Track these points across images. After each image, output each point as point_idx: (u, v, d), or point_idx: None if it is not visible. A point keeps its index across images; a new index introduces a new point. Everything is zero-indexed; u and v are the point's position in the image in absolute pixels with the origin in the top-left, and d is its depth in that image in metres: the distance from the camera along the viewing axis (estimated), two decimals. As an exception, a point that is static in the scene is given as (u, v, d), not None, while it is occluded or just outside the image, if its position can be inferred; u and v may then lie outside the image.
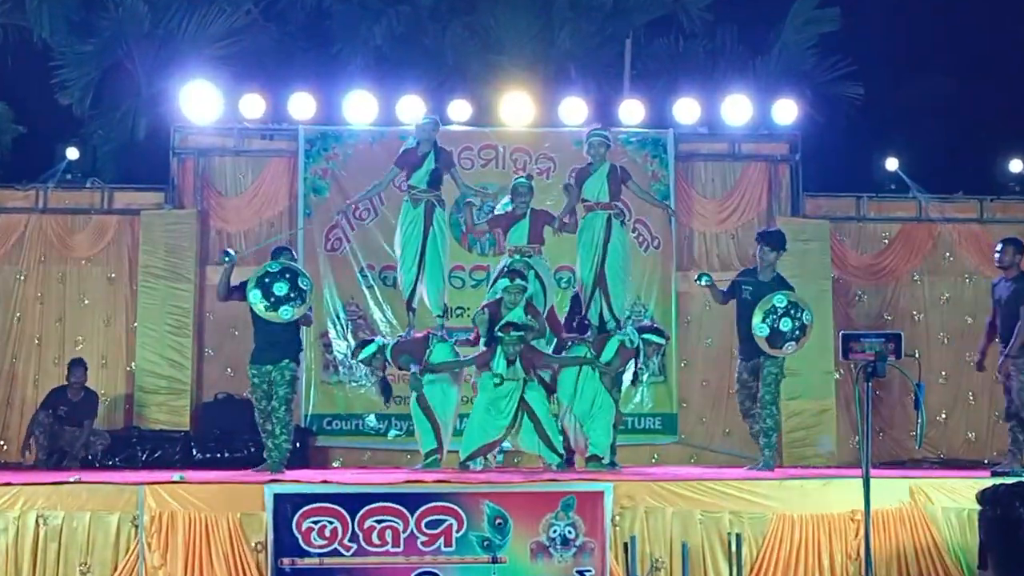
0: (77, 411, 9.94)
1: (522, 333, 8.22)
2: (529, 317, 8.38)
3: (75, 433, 9.87)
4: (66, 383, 10.08)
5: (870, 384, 5.32)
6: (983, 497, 3.67)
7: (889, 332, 5.49)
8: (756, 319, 8.41)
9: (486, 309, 8.54)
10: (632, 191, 9.30)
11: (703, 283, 8.86)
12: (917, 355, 7.65)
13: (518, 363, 8.29)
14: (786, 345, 8.47)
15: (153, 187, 11.19)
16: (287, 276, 8.27)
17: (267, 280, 8.25)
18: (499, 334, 8.23)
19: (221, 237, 11.15)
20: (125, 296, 11.06)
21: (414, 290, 8.99)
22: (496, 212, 9.29)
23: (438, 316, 9.10)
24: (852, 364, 5.42)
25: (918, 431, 5.48)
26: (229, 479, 7.59)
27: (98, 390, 10.79)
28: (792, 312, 8.47)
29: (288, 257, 8.71)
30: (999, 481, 3.83)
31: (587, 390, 8.54)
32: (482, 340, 8.50)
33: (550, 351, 8.77)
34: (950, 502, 7.12)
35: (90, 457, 9.93)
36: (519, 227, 8.87)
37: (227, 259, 8.57)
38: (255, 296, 8.23)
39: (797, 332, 8.46)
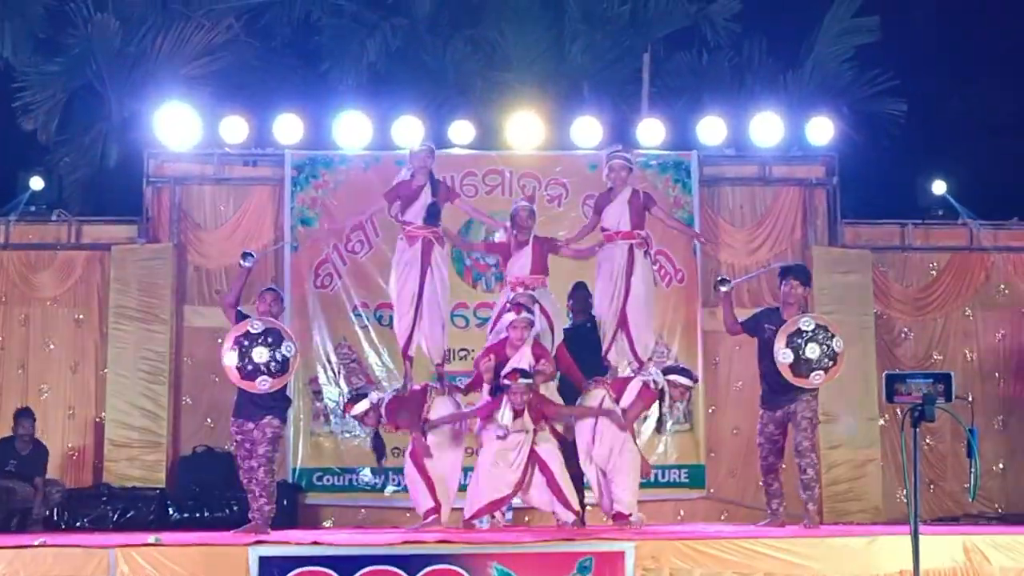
0: (26, 466, 9.99)
1: (530, 380, 8.23)
2: (539, 361, 8.40)
3: (27, 490, 9.88)
4: (12, 435, 10.10)
5: (917, 430, 5.33)
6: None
7: (938, 372, 5.50)
8: (778, 344, 8.43)
9: (491, 354, 8.54)
10: (657, 218, 9.35)
11: (723, 289, 8.91)
12: (970, 398, 7.64)
13: (526, 414, 8.30)
14: (813, 374, 8.47)
15: (125, 219, 11.28)
16: (269, 340, 8.31)
17: (246, 343, 8.30)
18: (505, 382, 8.25)
19: (200, 274, 11.25)
20: (94, 339, 11.12)
21: (411, 337, 8.97)
22: (494, 239, 9.34)
23: (437, 365, 9.10)
24: (898, 408, 5.42)
25: (972, 481, 5.49)
26: (210, 541, 7.59)
27: (64, 443, 10.94)
28: (820, 337, 8.49)
29: (275, 298, 8.78)
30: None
31: (607, 435, 8.57)
32: (485, 389, 8.52)
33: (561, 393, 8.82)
34: (1010, 561, 7.11)
35: (54, 517, 9.94)
36: (521, 256, 8.90)
37: (248, 261, 8.60)
38: (230, 359, 8.30)
39: (826, 360, 8.48)
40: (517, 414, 8.29)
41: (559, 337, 8.94)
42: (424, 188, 8.99)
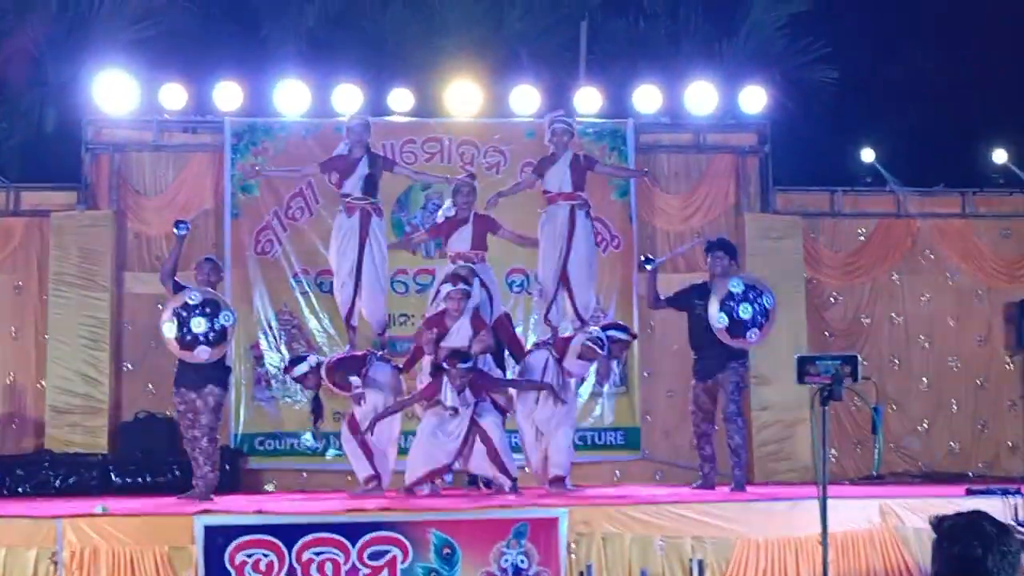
0: None
1: (469, 364, 8.52)
2: (477, 333, 8.69)
3: None
4: None
5: (826, 408, 5.72)
6: (940, 528, 4.00)
7: (845, 355, 5.91)
8: (712, 310, 8.80)
9: (432, 328, 8.82)
10: (602, 173, 9.76)
11: (648, 268, 9.26)
12: (873, 379, 8.05)
13: (468, 391, 8.61)
14: (749, 333, 8.86)
15: (64, 186, 11.32)
16: (207, 310, 8.51)
17: (184, 313, 8.50)
18: (444, 366, 8.54)
19: (140, 240, 11.33)
20: (34, 306, 11.17)
21: (352, 306, 9.28)
22: (438, 218, 9.58)
23: (378, 335, 9.39)
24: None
25: (876, 456, 5.91)
26: (155, 510, 7.85)
27: (4, 410, 11.00)
28: (751, 296, 8.87)
29: (212, 267, 9.00)
30: (959, 509, 4.16)
31: (547, 400, 8.92)
32: (427, 361, 8.79)
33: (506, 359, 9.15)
34: (923, 523, 7.44)
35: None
36: (462, 232, 9.19)
37: (182, 230, 8.75)
38: (169, 329, 8.50)
39: (760, 318, 8.87)
40: (459, 391, 8.59)
41: (499, 308, 9.27)
42: (361, 160, 9.25)
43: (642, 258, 9.66)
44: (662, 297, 9.46)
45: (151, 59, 11.59)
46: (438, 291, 9.10)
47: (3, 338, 11.19)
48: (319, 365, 8.98)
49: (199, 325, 8.54)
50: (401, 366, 9.32)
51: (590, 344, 8.87)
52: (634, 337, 9.57)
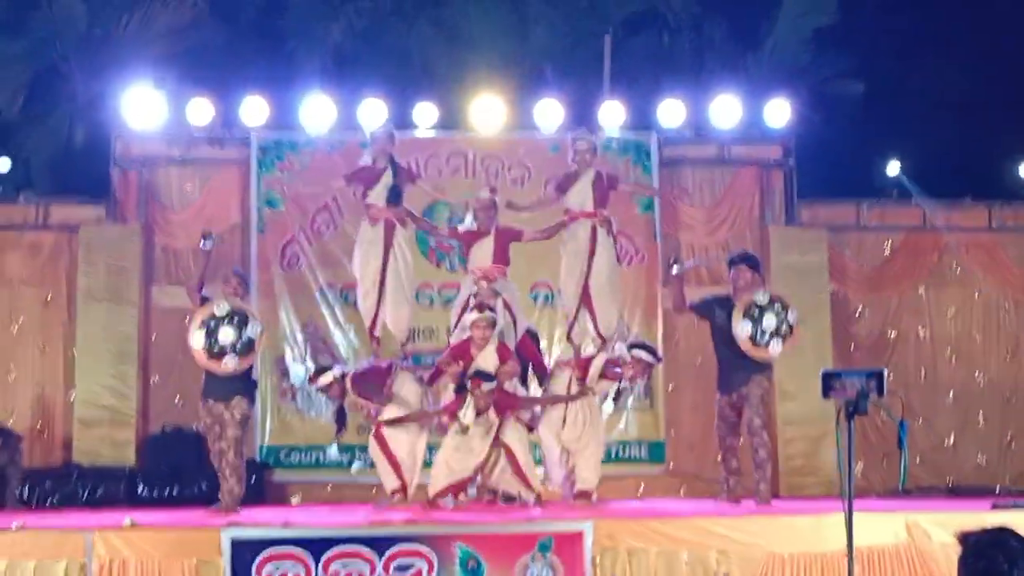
0: None
1: (492, 384, 8.56)
2: (504, 363, 8.73)
3: None
4: None
5: (852, 423, 5.74)
6: (966, 543, 4.03)
7: (871, 369, 5.90)
8: (736, 317, 8.83)
9: (456, 359, 8.84)
10: (624, 191, 9.85)
11: (675, 271, 9.30)
12: (899, 393, 8.05)
13: (491, 412, 8.65)
14: (771, 344, 8.87)
15: (92, 200, 11.45)
16: (235, 321, 8.60)
17: (212, 324, 8.58)
18: (468, 386, 8.58)
19: (167, 254, 11.45)
20: (62, 320, 11.29)
21: (376, 317, 9.34)
22: (461, 228, 9.63)
23: (402, 345, 9.45)
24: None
25: (901, 471, 5.91)
26: (183, 522, 7.92)
27: (33, 423, 11.10)
28: (775, 308, 8.89)
29: (239, 280, 9.09)
30: (985, 523, 4.18)
31: (576, 419, 8.96)
32: (452, 387, 8.84)
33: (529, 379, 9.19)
34: (949, 537, 7.43)
35: (24, 496, 10.18)
36: (483, 246, 9.23)
37: (208, 243, 8.87)
38: (197, 340, 8.59)
39: (784, 329, 8.88)
40: (481, 411, 8.64)
41: (522, 328, 9.31)
42: (385, 171, 9.32)
43: (671, 260, 9.67)
44: (688, 303, 9.47)
45: (179, 74, 11.71)
46: (461, 313, 9.13)
47: (32, 352, 11.31)
48: (344, 375, 9.05)
49: (227, 336, 8.63)
50: (425, 378, 9.35)
51: (610, 367, 8.93)
52: (659, 360, 9.56)
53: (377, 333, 9.48)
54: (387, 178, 9.33)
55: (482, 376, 8.56)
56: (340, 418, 9.11)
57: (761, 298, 8.96)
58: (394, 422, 8.82)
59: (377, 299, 9.33)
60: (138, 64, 11.80)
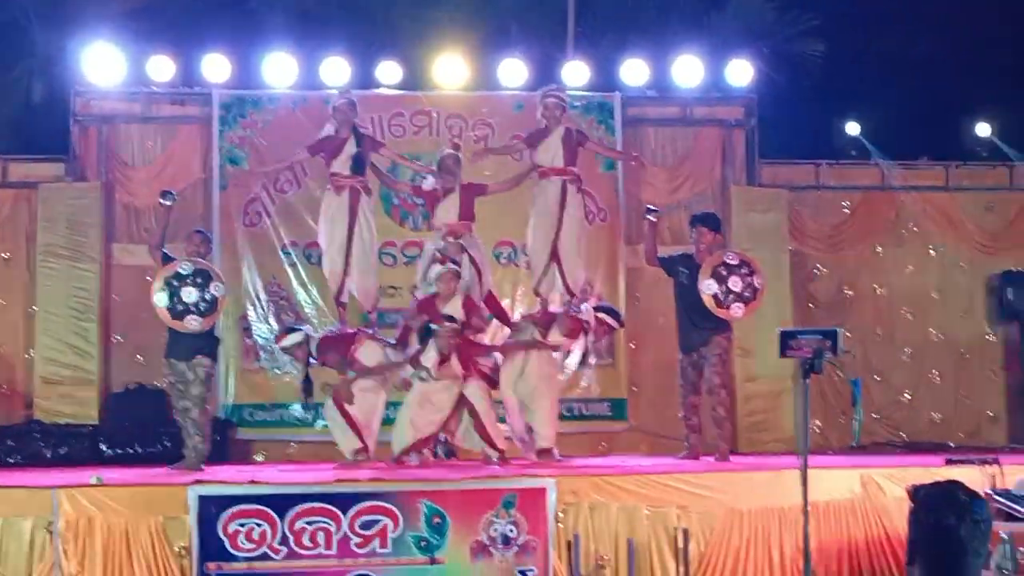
0: None
1: (456, 325, 8.66)
2: (470, 316, 8.83)
3: None
4: None
5: (807, 381, 5.90)
6: (915, 497, 4.19)
7: (826, 329, 6.07)
8: (703, 276, 8.98)
9: (423, 312, 8.93)
10: (592, 149, 9.94)
11: (651, 219, 9.43)
12: (854, 352, 8.19)
13: (454, 359, 8.75)
14: (734, 306, 9.03)
15: (52, 157, 11.38)
16: (198, 281, 8.64)
17: (175, 283, 8.63)
18: (433, 326, 8.67)
19: (128, 212, 11.42)
20: (22, 278, 11.25)
21: (343, 284, 9.41)
22: (423, 186, 9.65)
23: (368, 312, 9.53)
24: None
25: (856, 428, 6.09)
26: (149, 480, 8.00)
27: (-6, 382, 11.13)
28: (742, 271, 9.05)
29: (202, 239, 9.13)
30: (936, 478, 4.34)
31: (531, 371, 9.08)
32: (417, 339, 8.93)
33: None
34: (902, 492, 7.67)
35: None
36: (449, 202, 9.29)
37: (168, 200, 8.88)
38: (160, 299, 8.64)
39: (747, 294, 9.04)
40: (444, 359, 8.72)
41: (488, 283, 9.41)
42: (348, 140, 9.35)
43: (646, 208, 9.78)
44: (657, 256, 9.61)
45: (139, 31, 11.67)
46: (427, 268, 9.22)
47: (-9, 310, 11.26)
48: (309, 339, 9.12)
49: (190, 295, 8.69)
50: (392, 342, 9.43)
51: (575, 317, 9.04)
52: (622, 324, 9.73)
53: (343, 300, 9.55)
54: (351, 147, 9.35)
55: (446, 318, 8.67)
56: (307, 385, 9.19)
57: (731, 258, 9.11)
58: (360, 375, 8.88)
59: (344, 267, 9.40)
60: (98, 20, 11.76)
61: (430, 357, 8.71)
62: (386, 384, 9.16)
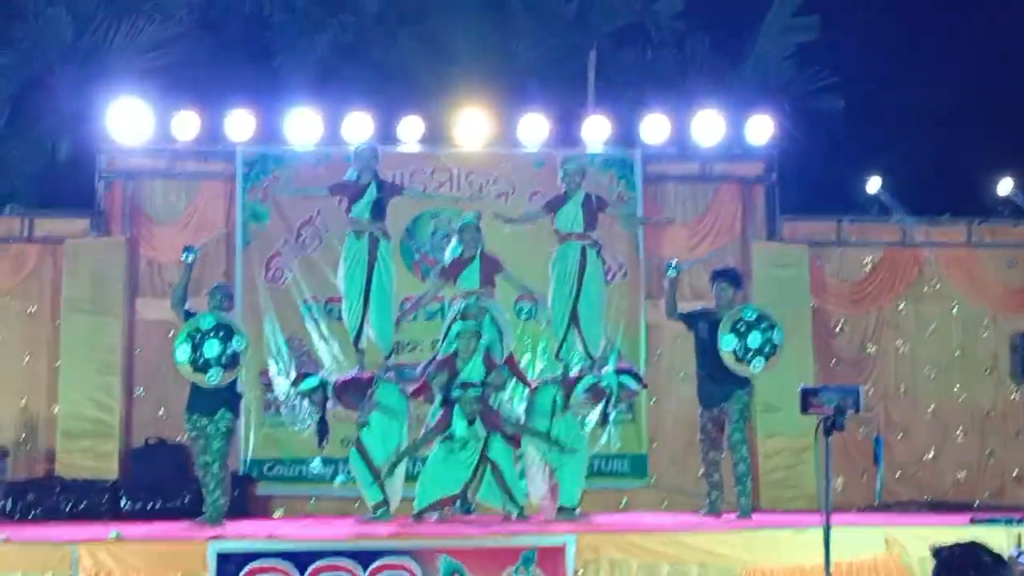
0: None
1: (479, 392, 8.67)
2: (489, 374, 8.86)
3: None
4: None
5: (829, 439, 5.87)
6: (939, 557, 4.16)
7: (848, 386, 6.06)
8: (722, 332, 8.96)
9: (444, 367, 8.96)
10: (612, 215, 10.03)
11: (670, 275, 9.42)
12: (877, 409, 8.15)
13: (478, 422, 8.75)
14: (754, 362, 9.01)
15: (78, 213, 11.48)
16: (220, 334, 8.69)
17: (197, 336, 8.68)
18: (455, 393, 8.69)
19: (152, 267, 11.50)
20: (47, 332, 11.31)
21: (361, 329, 9.46)
22: (445, 258, 9.73)
23: (385, 357, 9.57)
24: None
25: (878, 485, 6.05)
26: (169, 535, 8.00)
27: (16, 436, 11.14)
28: (762, 327, 9.03)
29: (224, 294, 9.19)
30: (962, 538, 4.30)
31: (560, 432, 9.07)
32: (438, 399, 8.94)
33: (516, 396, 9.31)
34: (927, 552, 7.60)
35: (7, 508, 10.24)
36: (469, 271, 9.38)
37: (190, 255, 8.96)
38: (182, 353, 8.68)
39: (768, 348, 9.02)
40: (470, 423, 8.74)
41: (509, 344, 9.45)
42: (369, 186, 9.46)
43: (668, 263, 9.80)
44: (678, 310, 9.61)
45: (164, 88, 11.77)
46: (449, 328, 9.27)
47: (16, 363, 11.32)
48: (327, 383, 9.14)
49: (212, 348, 8.72)
50: (409, 391, 9.45)
51: (596, 391, 9.06)
52: (644, 387, 9.71)
53: (361, 346, 9.59)
54: (371, 193, 9.46)
55: (469, 383, 8.69)
56: (322, 428, 9.18)
57: (749, 314, 9.11)
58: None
59: (362, 312, 9.45)
60: (124, 77, 11.89)
61: (460, 426, 8.71)
62: (405, 426, 9.15)
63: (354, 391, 9.11)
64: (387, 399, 9.12)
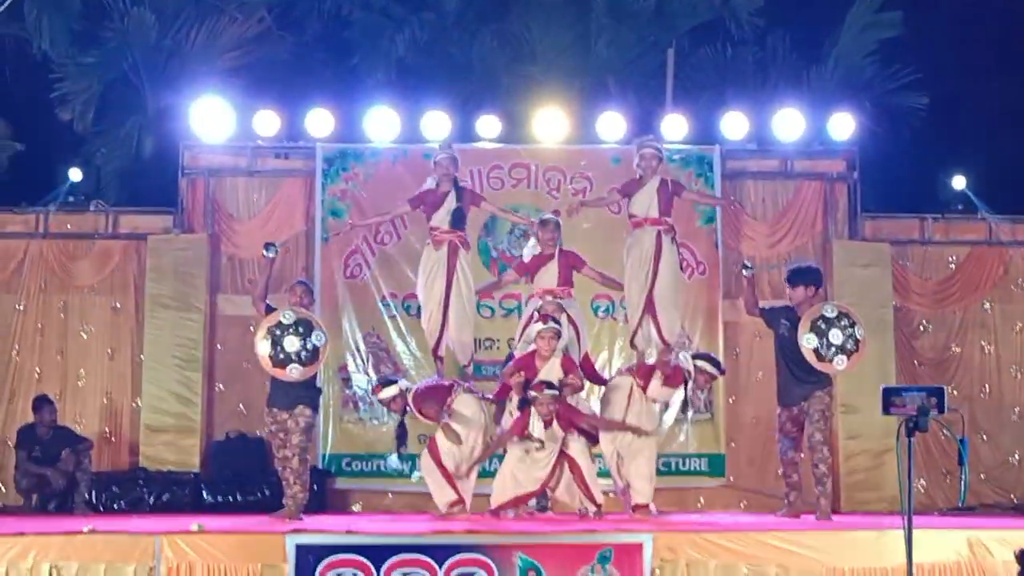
0: (49, 451, 10.30)
1: (556, 392, 8.63)
2: (567, 375, 8.81)
3: (55, 475, 10.23)
4: (33, 422, 10.46)
5: (912, 440, 5.77)
6: (1022, 560, 4.08)
7: (932, 387, 5.92)
8: (802, 329, 8.83)
9: (520, 368, 8.90)
10: (689, 199, 9.95)
11: (746, 274, 9.33)
12: (961, 410, 8.02)
13: (555, 424, 8.73)
14: (836, 359, 8.85)
15: (161, 210, 11.68)
16: (300, 330, 8.76)
17: (278, 332, 8.76)
18: (532, 394, 8.67)
19: (233, 263, 11.66)
20: (131, 327, 11.53)
21: (440, 338, 9.48)
22: (524, 255, 9.71)
23: (464, 366, 9.58)
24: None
25: (962, 487, 5.94)
26: (249, 528, 8.08)
27: (101, 429, 11.36)
28: (842, 324, 8.88)
29: (304, 290, 9.27)
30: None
31: (636, 420, 9.02)
32: (516, 400, 8.91)
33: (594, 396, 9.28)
34: (1011, 555, 7.46)
35: (93, 500, 10.43)
36: (548, 268, 9.34)
37: (271, 252, 9.07)
38: (263, 347, 8.76)
39: (850, 345, 8.87)
40: (546, 424, 8.72)
41: (586, 345, 9.41)
42: (449, 194, 9.44)
43: (743, 263, 9.72)
44: (759, 306, 9.50)
45: (246, 86, 11.96)
46: (526, 326, 9.25)
47: (100, 358, 11.56)
48: (406, 390, 9.16)
49: (292, 344, 8.78)
50: (489, 396, 9.45)
51: (676, 366, 8.97)
52: (722, 372, 9.55)
53: (441, 354, 9.61)
54: (451, 201, 9.44)
55: (545, 383, 8.65)
56: (401, 435, 9.24)
57: (829, 311, 8.97)
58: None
59: (441, 321, 9.46)
60: (206, 76, 12.10)
61: (537, 428, 8.69)
62: (483, 430, 9.15)
63: (432, 399, 9.11)
64: (465, 410, 9.11)
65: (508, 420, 9.01)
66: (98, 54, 12.84)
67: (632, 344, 9.58)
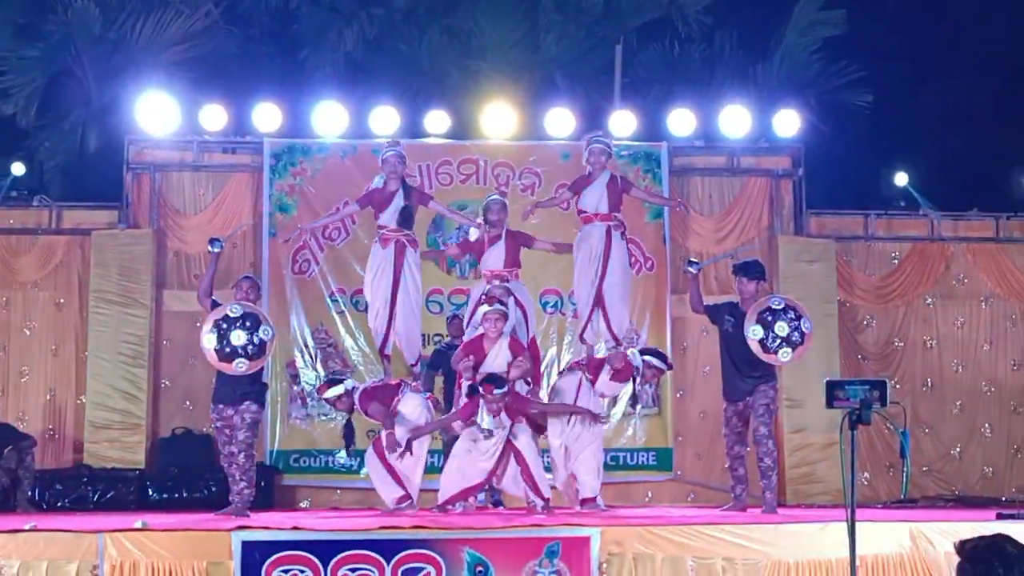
0: None
1: (503, 390, 8.60)
2: (515, 358, 8.79)
3: None
4: None
5: (855, 433, 5.81)
6: (963, 551, 4.10)
7: (874, 380, 5.95)
8: (748, 320, 8.85)
9: (468, 353, 8.86)
10: (636, 197, 9.90)
11: (691, 271, 9.34)
12: (904, 404, 8.07)
13: (503, 414, 8.70)
14: (781, 351, 8.89)
15: (105, 205, 11.57)
16: (247, 324, 8.66)
17: (224, 325, 8.66)
18: (480, 391, 8.63)
19: (179, 259, 11.56)
20: (75, 323, 11.42)
21: (387, 337, 9.39)
22: (469, 236, 9.67)
23: (411, 365, 9.53)
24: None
25: (903, 480, 5.99)
26: (194, 525, 7.98)
27: (44, 426, 11.21)
28: (789, 316, 8.92)
29: (251, 285, 9.17)
30: (980, 532, 4.25)
31: (577, 420, 9.02)
32: (466, 386, 8.89)
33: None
34: (952, 547, 7.53)
35: (35, 498, 10.29)
36: (495, 249, 9.28)
37: (216, 247, 8.94)
38: (209, 341, 8.63)
39: (795, 337, 8.91)
40: (495, 415, 8.69)
41: (532, 327, 9.39)
42: (397, 192, 9.33)
43: (687, 261, 9.74)
44: (704, 303, 9.52)
45: (192, 81, 11.86)
46: (474, 310, 9.22)
47: (44, 354, 11.44)
48: (353, 389, 9.09)
49: (239, 338, 8.66)
50: (434, 398, 9.42)
51: (625, 361, 8.98)
52: (670, 367, 9.58)
53: (388, 352, 9.53)
54: (399, 200, 9.35)
55: (493, 382, 8.60)
56: (348, 434, 9.16)
57: (776, 303, 9.01)
58: (408, 443, 8.85)
59: (388, 320, 9.38)
60: (152, 70, 11.98)
61: (485, 419, 8.64)
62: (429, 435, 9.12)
63: (379, 399, 9.04)
64: (407, 409, 9.05)
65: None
66: (41, 47, 12.66)
67: (581, 339, 9.59)
